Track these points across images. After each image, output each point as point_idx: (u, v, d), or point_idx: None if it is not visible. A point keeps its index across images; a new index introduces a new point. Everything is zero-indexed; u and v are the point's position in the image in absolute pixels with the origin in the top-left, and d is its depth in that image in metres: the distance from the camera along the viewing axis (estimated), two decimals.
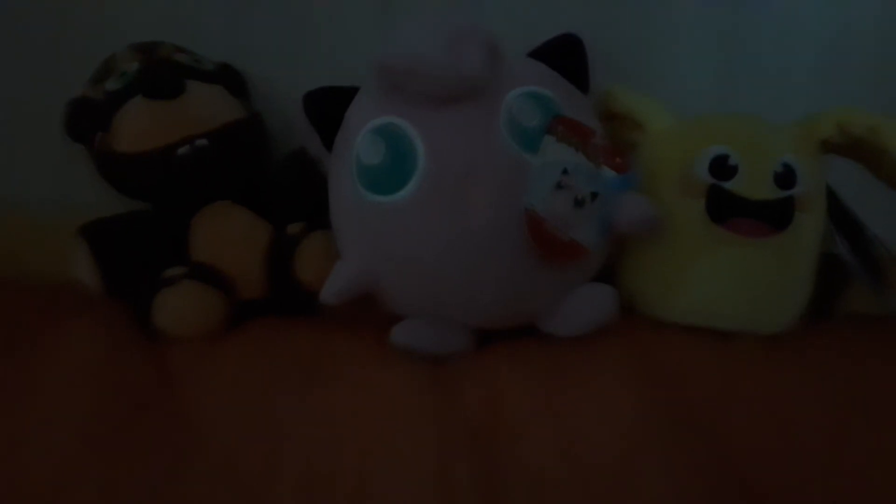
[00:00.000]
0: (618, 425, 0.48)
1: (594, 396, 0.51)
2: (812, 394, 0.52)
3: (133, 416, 0.49)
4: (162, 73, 0.63)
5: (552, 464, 0.45)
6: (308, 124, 0.59)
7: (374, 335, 0.57)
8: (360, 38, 0.73)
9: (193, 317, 0.59)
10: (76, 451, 0.45)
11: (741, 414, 0.50)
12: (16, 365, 0.55)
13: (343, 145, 0.57)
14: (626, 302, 0.60)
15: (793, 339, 0.59)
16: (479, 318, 0.57)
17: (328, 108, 0.59)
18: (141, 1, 0.74)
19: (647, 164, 0.61)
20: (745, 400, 0.51)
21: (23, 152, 0.78)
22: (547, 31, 0.60)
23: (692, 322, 0.59)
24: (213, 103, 0.64)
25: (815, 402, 0.51)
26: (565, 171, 0.53)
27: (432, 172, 0.53)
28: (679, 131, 0.63)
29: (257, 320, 0.62)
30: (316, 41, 0.75)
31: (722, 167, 0.58)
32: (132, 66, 0.63)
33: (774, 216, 0.58)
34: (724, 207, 0.58)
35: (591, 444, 0.47)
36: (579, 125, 0.55)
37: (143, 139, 0.60)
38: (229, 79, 0.68)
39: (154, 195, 0.64)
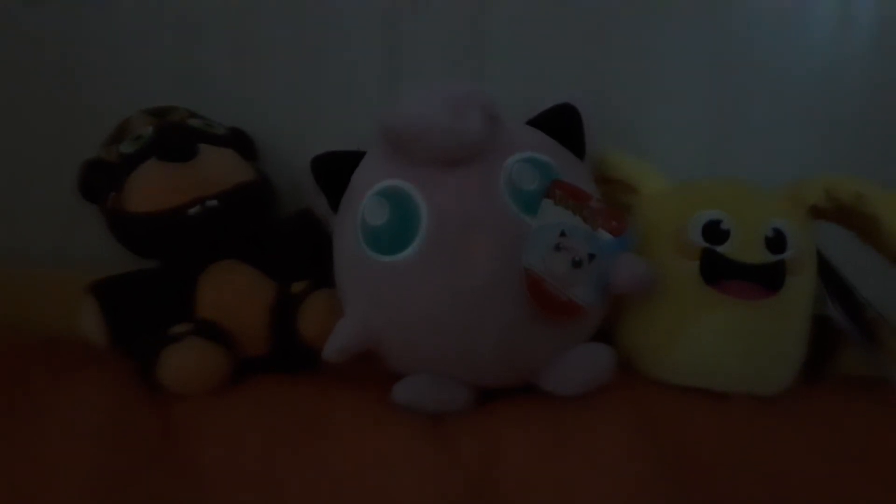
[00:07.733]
0: (616, 483, 0.48)
1: (593, 455, 0.51)
2: (808, 453, 0.52)
3: (136, 471, 0.49)
4: (176, 137, 0.63)
5: None
6: (315, 186, 0.60)
7: (375, 392, 0.57)
8: (367, 103, 0.74)
9: (197, 373, 0.59)
10: None
11: (739, 473, 0.49)
12: (19, 418, 0.54)
13: (349, 206, 0.58)
14: (623, 360, 0.59)
15: (788, 400, 0.58)
16: (478, 375, 0.57)
17: (335, 170, 0.59)
18: (154, 66, 0.76)
19: (642, 227, 0.61)
20: (742, 459, 0.51)
21: (32, 208, 0.79)
22: (545, 100, 0.61)
23: (688, 382, 0.59)
24: (224, 166, 0.64)
25: (811, 462, 0.51)
26: (563, 234, 0.54)
27: (434, 232, 0.53)
28: (672, 195, 0.63)
29: (260, 376, 0.61)
30: (323, 106, 0.76)
31: (715, 231, 0.59)
32: (146, 130, 0.63)
33: (767, 279, 0.58)
34: (718, 270, 0.58)
35: (589, 502, 0.46)
36: (577, 189, 0.56)
37: (155, 200, 0.61)
38: (240, 142, 0.69)
39: (163, 253, 0.64)
